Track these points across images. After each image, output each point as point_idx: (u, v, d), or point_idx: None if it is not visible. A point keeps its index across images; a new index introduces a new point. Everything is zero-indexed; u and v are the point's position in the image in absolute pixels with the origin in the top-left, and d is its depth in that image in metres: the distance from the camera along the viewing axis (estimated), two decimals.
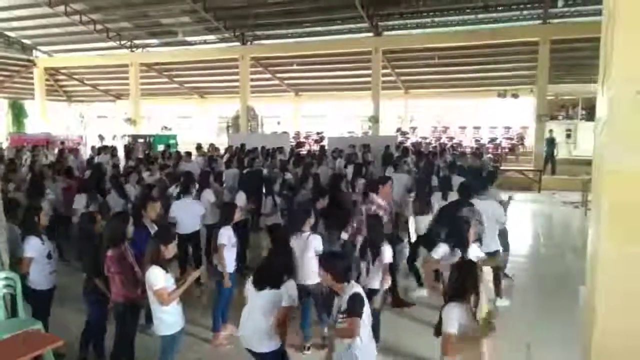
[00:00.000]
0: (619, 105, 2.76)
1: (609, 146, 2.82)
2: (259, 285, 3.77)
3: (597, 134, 3.16)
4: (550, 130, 18.73)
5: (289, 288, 3.73)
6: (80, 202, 7.65)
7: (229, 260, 5.39)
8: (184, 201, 7.18)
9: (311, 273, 4.85)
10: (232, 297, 5.51)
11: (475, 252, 4.79)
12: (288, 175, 9.50)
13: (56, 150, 15.74)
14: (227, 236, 5.39)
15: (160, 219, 6.15)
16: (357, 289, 3.52)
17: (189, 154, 12.79)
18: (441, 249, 4.81)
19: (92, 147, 16.80)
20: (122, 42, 22.58)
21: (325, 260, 3.71)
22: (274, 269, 3.83)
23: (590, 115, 19.36)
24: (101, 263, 4.45)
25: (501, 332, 5.63)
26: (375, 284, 4.90)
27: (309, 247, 4.97)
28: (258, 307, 3.74)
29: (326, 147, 15.84)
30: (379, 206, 6.24)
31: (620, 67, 2.75)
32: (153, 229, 5.45)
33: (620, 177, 2.75)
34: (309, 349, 5.19)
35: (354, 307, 3.36)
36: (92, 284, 4.66)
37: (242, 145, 14.60)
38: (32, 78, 26.00)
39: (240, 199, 7.82)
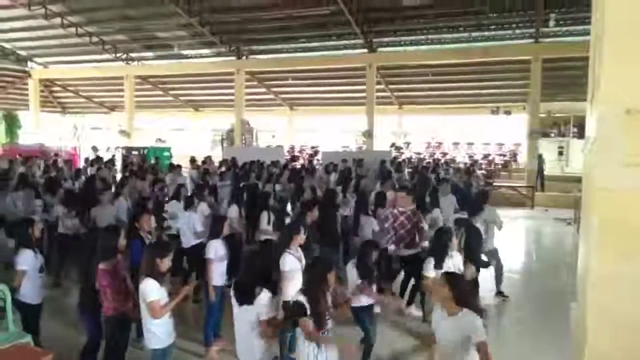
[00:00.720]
0: (608, 124, 2.81)
1: (598, 164, 2.87)
2: (238, 301, 3.78)
3: (587, 152, 3.21)
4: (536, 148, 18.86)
5: (261, 300, 3.70)
6: (59, 211, 7.72)
7: (215, 273, 5.35)
8: (187, 215, 7.18)
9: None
10: (222, 311, 5.46)
11: (457, 262, 4.89)
12: (278, 188, 9.52)
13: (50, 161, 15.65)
14: (214, 249, 5.35)
15: (159, 231, 6.15)
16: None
17: (178, 166, 12.79)
18: (430, 264, 4.85)
19: (86, 159, 16.75)
20: (118, 55, 22.66)
21: None
22: (246, 284, 3.81)
23: (581, 132, 19.54)
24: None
25: (495, 347, 5.68)
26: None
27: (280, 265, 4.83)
28: (244, 322, 3.74)
29: (319, 160, 15.84)
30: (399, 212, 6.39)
31: (608, 86, 2.81)
32: (149, 240, 5.43)
33: (609, 195, 2.79)
34: None
35: None
36: (87, 299, 4.62)
37: (234, 159, 14.59)
38: (26, 89, 26.00)
39: (233, 212, 7.81)
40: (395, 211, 6.60)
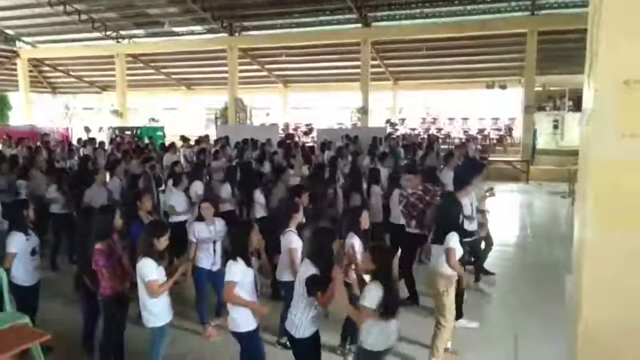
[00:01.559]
0: (605, 96, 2.79)
1: (594, 136, 2.86)
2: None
3: (583, 124, 3.19)
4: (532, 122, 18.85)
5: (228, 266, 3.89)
6: (51, 192, 7.67)
7: (199, 255, 5.36)
8: (176, 192, 7.19)
9: (284, 270, 4.86)
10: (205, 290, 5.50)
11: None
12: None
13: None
14: (194, 232, 5.32)
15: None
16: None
17: (171, 145, 12.72)
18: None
19: (78, 140, 16.63)
20: (108, 33, 22.28)
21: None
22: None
23: (577, 106, 19.52)
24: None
25: (489, 321, 5.78)
26: None
27: (283, 244, 4.89)
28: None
29: (313, 138, 15.80)
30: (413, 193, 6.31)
31: (606, 58, 2.78)
32: (148, 220, 5.42)
33: (606, 167, 2.79)
34: (280, 344, 5.15)
35: None
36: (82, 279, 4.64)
37: (226, 137, 14.51)
38: (15, 69, 25.59)
39: (226, 191, 7.79)
40: (405, 193, 6.52)
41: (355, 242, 4.65)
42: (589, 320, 2.87)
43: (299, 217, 5.00)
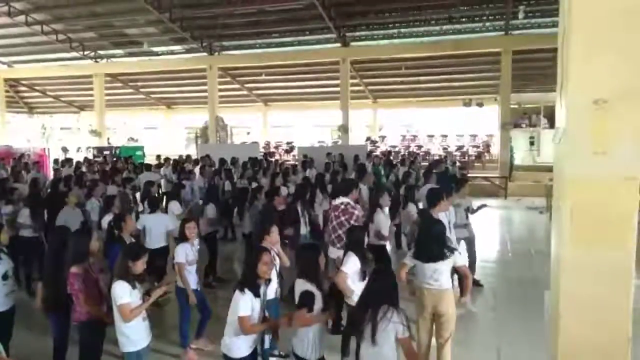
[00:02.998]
0: (576, 114, 2.87)
1: (567, 153, 2.92)
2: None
3: (557, 142, 3.26)
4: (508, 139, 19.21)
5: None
6: (23, 215, 7.38)
7: (190, 277, 5.29)
8: (154, 215, 7.00)
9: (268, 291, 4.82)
10: (209, 312, 5.44)
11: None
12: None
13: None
14: (183, 254, 5.27)
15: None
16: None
17: (148, 166, 12.63)
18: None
19: (55, 160, 16.37)
20: (86, 53, 22.10)
21: None
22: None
23: (551, 123, 19.97)
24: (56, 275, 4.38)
25: (471, 335, 5.78)
26: None
27: None
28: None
29: (295, 156, 15.90)
30: (350, 206, 6.21)
31: (576, 77, 2.87)
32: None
33: (580, 184, 2.84)
34: None
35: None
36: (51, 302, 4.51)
37: (207, 155, 14.47)
38: None
39: (210, 211, 7.72)
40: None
41: (351, 260, 4.61)
42: (566, 336, 2.90)
43: (272, 239, 4.94)
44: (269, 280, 4.08)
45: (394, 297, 3.47)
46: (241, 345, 3.81)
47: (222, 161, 13.32)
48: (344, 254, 4.85)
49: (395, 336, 3.36)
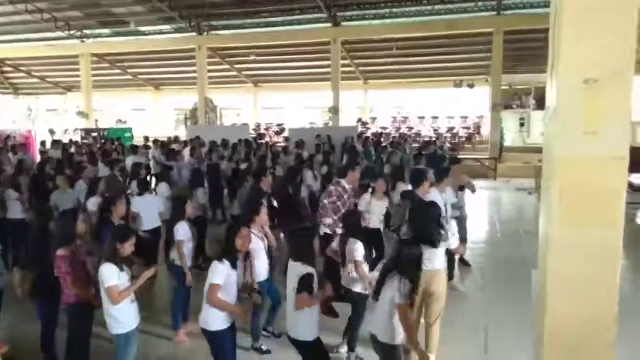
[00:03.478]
0: (567, 94, 2.85)
1: (557, 134, 2.91)
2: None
3: (547, 122, 3.25)
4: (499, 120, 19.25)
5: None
6: (10, 197, 7.34)
7: (188, 256, 5.30)
8: (144, 197, 6.96)
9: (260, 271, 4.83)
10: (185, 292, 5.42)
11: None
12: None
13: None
14: (184, 231, 5.29)
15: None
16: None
17: (135, 148, 12.54)
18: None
19: (42, 142, 16.16)
20: (72, 32, 21.63)
21: None
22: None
23: (541, 104, 20.02)
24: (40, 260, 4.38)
25: (459, 315, 5.85)
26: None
27: None
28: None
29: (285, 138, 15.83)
30: (345, 189, 6.24)
31: (567, 57, 2.84)
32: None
33: (569, 164, 2.84)
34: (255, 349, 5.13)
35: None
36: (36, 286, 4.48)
37: (197, 137, 14.34)
38: None
39: (200, 195, 7.69)
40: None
41: (358, 248, 4.62)
42: (553, 314, 2.93)
43: (261, 220, 4.93)
44: (247, 256, 4.15)
45: (410, 270, 3.61)
46: (217, 317, 3.83)
47: (214, 144, 13.22)
48: (342, 241, 4.84)
49: (394, 301, 3.55)
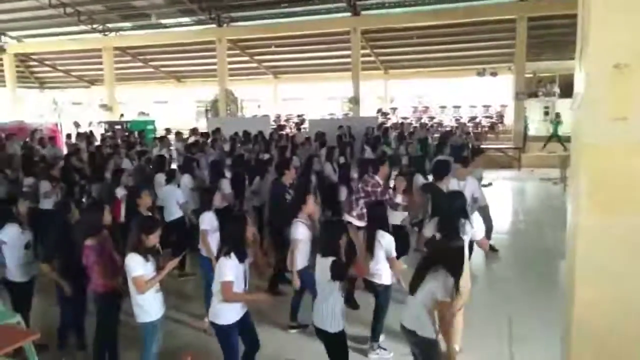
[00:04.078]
0: (596, 80, 2.77)
1: (586, 120, 2.84)
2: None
3: (575, 108, 3.17)
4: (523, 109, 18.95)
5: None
6: (43, 187, 7.52)
7: (213, 245, 5.32)
8: (169, 187, 7.07)
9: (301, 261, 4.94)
10: None
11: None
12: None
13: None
14: (208, 221, 5.35)
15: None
16: None
17: (162, 138, 12.68)
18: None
19: (68, 135, 16.47)
20: (94, 26, 21.97)
21: None
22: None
23: (566, 92, 19.55)
24: (63, 249, 4.50)
25: (484, 305, 5.80)
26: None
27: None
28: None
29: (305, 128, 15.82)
30: (376, 184, 6.20)
31: (597, 42, 2.76)
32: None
33: (598, 151, 2.77)
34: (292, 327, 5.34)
35: None
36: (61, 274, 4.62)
37: (218, 129, 14.41)
38: (1, 65, 25.18)
39: (226, 185, 7.74)
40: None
41: (391, 242, 4.62)
42: (583, 304, 2.88)
43: (309, 209, 5.03)
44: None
45: (454, 264, 3.49)
46: (227, 312, 3.88)
47: (235, 136, 13.27)
48: (369, 233, 4.79)
49: (435, 297, 3.42)
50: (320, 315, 3.86)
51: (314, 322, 3.93)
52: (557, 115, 18.69)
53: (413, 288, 3.56)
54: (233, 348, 3.97)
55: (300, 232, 4.88)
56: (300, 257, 4.93)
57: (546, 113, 20.80)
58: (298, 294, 5.29)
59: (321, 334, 3.91)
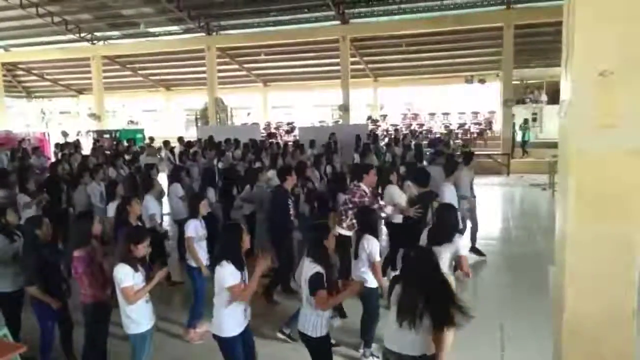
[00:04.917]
0: (582, 87, 2.80)
1: (573, 128, 2.86)
2: None
3: (562, 116, 3.20)
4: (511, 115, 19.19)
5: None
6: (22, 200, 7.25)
7: (200, 252, 5.30)
8: (150, 198, 6.91)
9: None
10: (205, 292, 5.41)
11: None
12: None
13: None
14: (193, 228, 5.29)
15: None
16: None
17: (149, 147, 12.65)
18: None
19: (56, 144, 16.32)
20: (82, 35, 21.84)
21: None
22: None
23: (553, 98, 19.80)
24: (40, 269, 4.40)
25: (474, 310, 5.79)
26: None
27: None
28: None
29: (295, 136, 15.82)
30: (363, 194, 6.19)
31: (582, 49, 2.79)
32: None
33: (585, 158, 2.80)
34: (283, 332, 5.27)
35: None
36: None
37: (210, 137, 14.40)
38: None
39: (211, 194, 7.71)
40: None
41: (376, 247, 4.60)
42: (572, 311, 2.89)
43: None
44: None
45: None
46: (229, 324, 3.80)
47: (217, 144, 13.23)
48: (358, 238, 4.79)
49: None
50: (304, 319, 3.83)
51: (298, 326, 3.90)
52: (525, 121, 18.97)
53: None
54: (237, 359, 3.91)
55: None
56: None
57: (534, 119, 21.02)
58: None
59: (304, 339, 3.87)
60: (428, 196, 6.04)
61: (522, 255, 8.13)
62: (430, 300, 3.25)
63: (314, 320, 3.77)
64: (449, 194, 6.47)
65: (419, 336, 3.32)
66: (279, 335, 5.26)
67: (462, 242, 4.59)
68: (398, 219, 6.46)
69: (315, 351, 3.88)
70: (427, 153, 11.69)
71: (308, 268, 3.77)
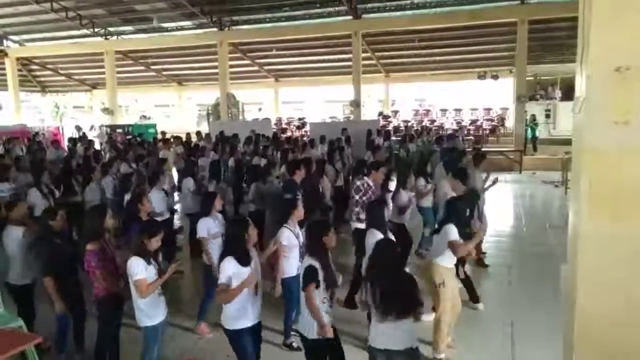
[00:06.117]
0: (597, 83, 2.75)
1: (587, 124, 2.82)
2: None
3: (576, 112, 3.16)
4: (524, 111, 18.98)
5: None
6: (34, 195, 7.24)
7: (213, 251, 5.24)
8: (154, 191, 6.89)
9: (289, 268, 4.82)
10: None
11: None
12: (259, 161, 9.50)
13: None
14: (205, 228, 5.29)
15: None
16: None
17: (165, 141, 12.71)
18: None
19: (69, 138, 16.52)
20: (96, 30, 22.00)
21: None
22: None
23: (567, 95, 19.57)
24: (55, 261, 4.48)
25: (485, 309, 5.78)
26: None
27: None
28: None
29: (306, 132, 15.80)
30: (369, 186, 6.22)
31: (598, 44, 2.74)
32: None
33: (599, 155, 2.75)
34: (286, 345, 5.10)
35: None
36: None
37: (222, 132, 14.46)
38: (3, 69, 25.22)
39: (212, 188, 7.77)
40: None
41: (374, 235, 4.55)
42: (585, 310, 2.85)
43: (298, 214, 4.88)
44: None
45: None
46: (237, 317, 3.80)
47: (225, 138, 13.25)
48: (365, 232, 4.81)
49: None
50: (302, 320, 3.81)
51: (296, 327, 3.90)
52: (533, 117, 18.72)
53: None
54: (246, 352, 3.90)
55: (286, 238, 4.72)
56: (286, 264, 4.76)
57: (547, 116, 20.78)
58: (287, 309, 5.02)
59: (301, 339, 3.85)
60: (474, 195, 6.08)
61: (534, 253, 8.06)
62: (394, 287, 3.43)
63: (310, 321, 3.71)
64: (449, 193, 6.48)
65: (402, 331, 3.45)
66: (284, 348, 5.06)
67: (451, 229, 4.56)
68: (400, 219, 6.50)
69: (310, 352, 3.84)
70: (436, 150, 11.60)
71: (305, 263, 3.78)
